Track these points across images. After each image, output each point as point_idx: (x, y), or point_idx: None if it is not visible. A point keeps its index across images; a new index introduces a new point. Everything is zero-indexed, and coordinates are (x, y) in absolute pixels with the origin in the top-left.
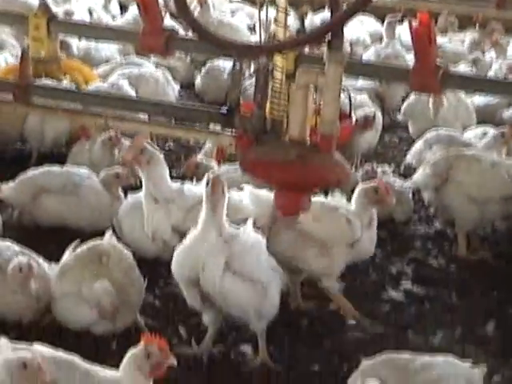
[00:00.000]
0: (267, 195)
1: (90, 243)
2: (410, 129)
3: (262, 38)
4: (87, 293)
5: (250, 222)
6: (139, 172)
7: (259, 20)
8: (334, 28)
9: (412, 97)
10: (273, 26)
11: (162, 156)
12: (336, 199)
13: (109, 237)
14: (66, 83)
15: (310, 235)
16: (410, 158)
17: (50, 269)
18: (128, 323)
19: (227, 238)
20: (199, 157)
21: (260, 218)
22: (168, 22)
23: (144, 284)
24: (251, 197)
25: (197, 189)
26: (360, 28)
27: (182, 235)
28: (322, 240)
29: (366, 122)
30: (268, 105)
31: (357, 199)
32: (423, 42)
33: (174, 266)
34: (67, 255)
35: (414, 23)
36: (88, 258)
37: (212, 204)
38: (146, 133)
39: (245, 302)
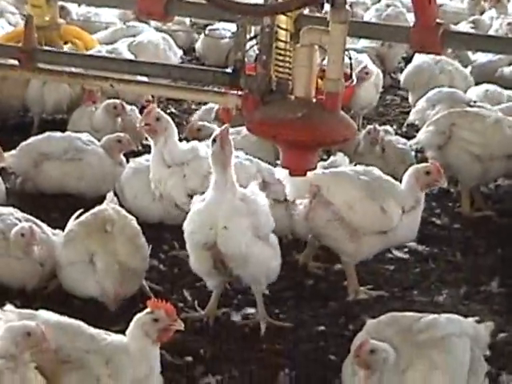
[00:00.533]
0: None
1: (94, 210)
2: (410, 98)
3: None
4: (98, 266)
5: (253, 183)
6: (152, 139)
7: None
8: None
9: (410, 67)
10: None
11: None
12: (339, 159)
13: (110, 199)
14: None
15: (343, 219)
16: (412, 116)
17: (54, 235)
18: (134, 291)
19: (242, 198)
20: (196, 119)
21: (298, 196)
22: None
23: (148, 250)
24: (288, 175)
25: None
26: None
27: None
28: (354, 226)
29: (364, 73)
30: (273, 64)
31: (407, 179)
32: (423, 0)
33: (188, 231)
34: (71, 222)
35: None
36: (93, 226)
37: (222, 162)
38: (149, 95)
39: (263, 262)
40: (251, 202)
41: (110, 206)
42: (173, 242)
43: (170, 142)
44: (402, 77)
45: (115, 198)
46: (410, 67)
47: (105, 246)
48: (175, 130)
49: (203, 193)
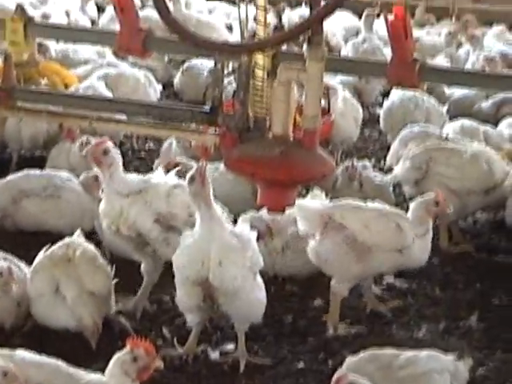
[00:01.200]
0: (315, 205)
1: (60, 242)
2: (389, 137)
3: (243, 36)
4: (68, 297)
5: (241, 219)
6: (99, 172)
7: (239, 18)
8: (314, 24)
9: (382, 112)
10: (252, 24)
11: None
12: (317, 195)
13: (77, 236)
14: (45, 85)
15: (356, 241)
16: (389, 160)
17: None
18: (104, 314)
19: (233, 234)
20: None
21: (310, 229)
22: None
23: (112, 271)
24: (300, 208)
25: (162, 177)
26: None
27: (164, 225)
28: (368, 245)
29: (329, 92)
30: (250, 102)
31: (415, 212)
32: (399, 36)
33: (178, 265)
34: (39, 256)
35: (390, 17)
36: (57, 256)
37: (204, 198)
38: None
39: (252, 300)
40: (243, 238)
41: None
42: None
43: (116, 175)
44: (380, 123)
45: (81, 234)
46: (382, 113)
47: (68, 273)
48: (120, 165)
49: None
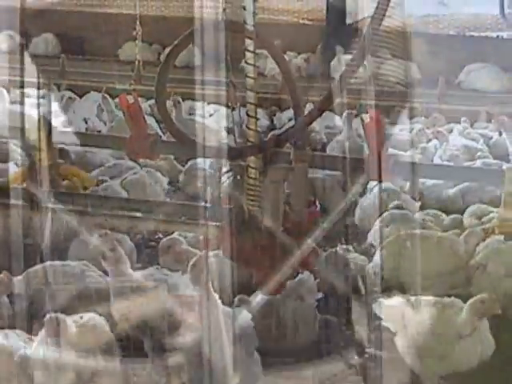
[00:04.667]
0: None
1: None
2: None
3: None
4: None
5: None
6: (106, 267)
7: (232, 123)
8: (298, 133)
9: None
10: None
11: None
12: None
13: None
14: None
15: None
16: (370, 238)
17: None
18: None
19: (226, 313)
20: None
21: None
22: None
23: None
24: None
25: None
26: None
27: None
28: None
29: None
30: (245, 198)
31: (467, 308)
32: (373, 136)
33: None
34: None
35: (366, 119)
36: None
37: (202, 284)
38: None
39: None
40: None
41: None
42: None
43: (123, 270)
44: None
45: None
46: (357, 211)
47: None
48: (126, 262)
49: None
